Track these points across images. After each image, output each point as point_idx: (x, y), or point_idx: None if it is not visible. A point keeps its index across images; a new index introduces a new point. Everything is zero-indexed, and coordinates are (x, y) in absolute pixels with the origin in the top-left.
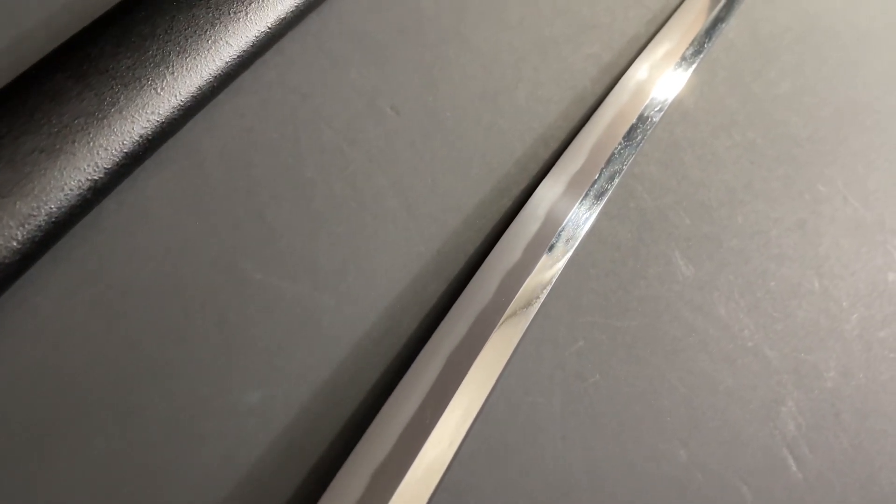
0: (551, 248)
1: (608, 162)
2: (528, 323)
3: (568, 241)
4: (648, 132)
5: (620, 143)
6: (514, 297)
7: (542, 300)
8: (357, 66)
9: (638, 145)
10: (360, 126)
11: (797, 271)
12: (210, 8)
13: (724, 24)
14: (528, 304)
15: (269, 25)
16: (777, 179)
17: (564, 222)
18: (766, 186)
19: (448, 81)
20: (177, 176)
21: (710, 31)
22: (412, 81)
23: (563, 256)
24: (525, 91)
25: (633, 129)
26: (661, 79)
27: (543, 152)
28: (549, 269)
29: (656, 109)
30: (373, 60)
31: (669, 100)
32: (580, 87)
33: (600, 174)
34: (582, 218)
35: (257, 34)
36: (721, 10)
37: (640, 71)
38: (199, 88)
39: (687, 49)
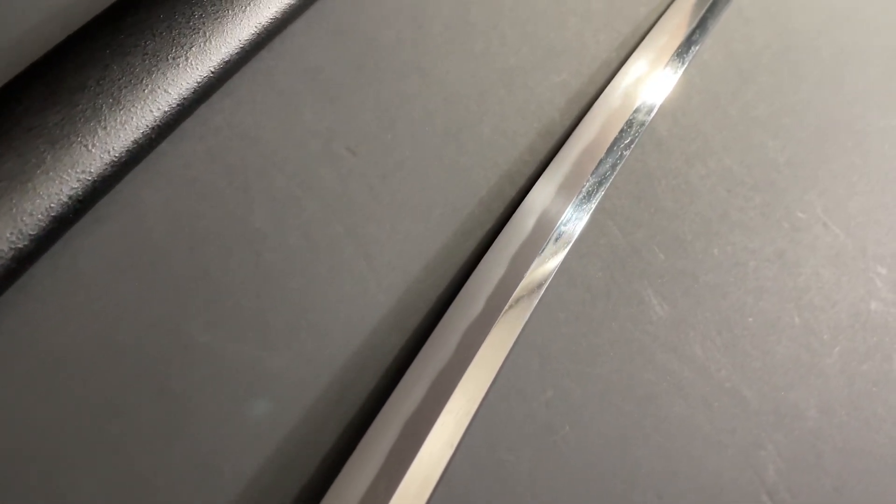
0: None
1: (578, 199)
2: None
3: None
4: (619, 165)
5: (589, 180)
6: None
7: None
8: (311, 105)
9: (608, 179)
10: (314, 170)
11: (776, 305)
12: (146, 55)
13: (698, 46)
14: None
15: (213, 69)
16: (754, 208)
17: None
18: (743, 216)
19: (408, 119)
20: (115, 234)
21: (685, 53)
22: (370, 120)
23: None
24: (490, 125)
25: (602, 162)
26: (633, 107)
27: (509, 190)
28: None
29: (627, 141)
30: (328, 99)
31: (642, 128)
32: (547, 119)
33: (567, 214)
34: (552, 257)
35: (199, 79)
36: (695, 31)
37: (611, 99)
38: (136, 142)
39: (660, 74)
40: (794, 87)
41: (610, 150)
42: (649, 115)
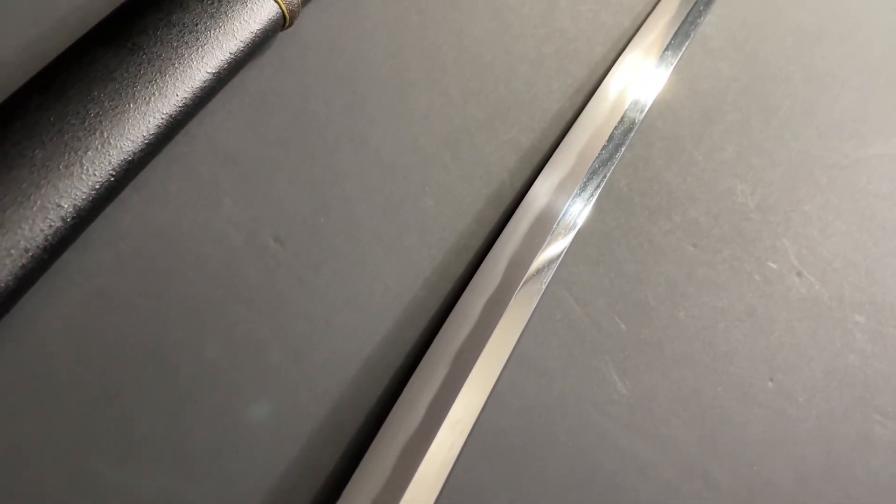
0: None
1: (530, 271)
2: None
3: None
4: (578, 226)
5: (542, 249)
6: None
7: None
8: (232, 193)
9: (565, 248)
10: (237, 267)
11: (748, 369)
12: (35, 167)
13: (660, 87)
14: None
15: (114, 170)
16: (723, 262)
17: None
18: (711, 272)
19: (342, 198)
20: (11, 363)
21: (646, 96)
22: (299, 204)
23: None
24: (433, 196)
25: (557, 229)
26: (591, 160)
27: (456, 266)
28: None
29: (585, 202)
30: (251, 184)
31: (601, 185)
32: (497, 182)
33: (523, 280)
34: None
35: (98, 184)
36: (657, 70)
37: (565, 154)
38: (24, 267)
39: (619, 122)
40: (764, 122)
41: (567, 212)
42: (609, 167)
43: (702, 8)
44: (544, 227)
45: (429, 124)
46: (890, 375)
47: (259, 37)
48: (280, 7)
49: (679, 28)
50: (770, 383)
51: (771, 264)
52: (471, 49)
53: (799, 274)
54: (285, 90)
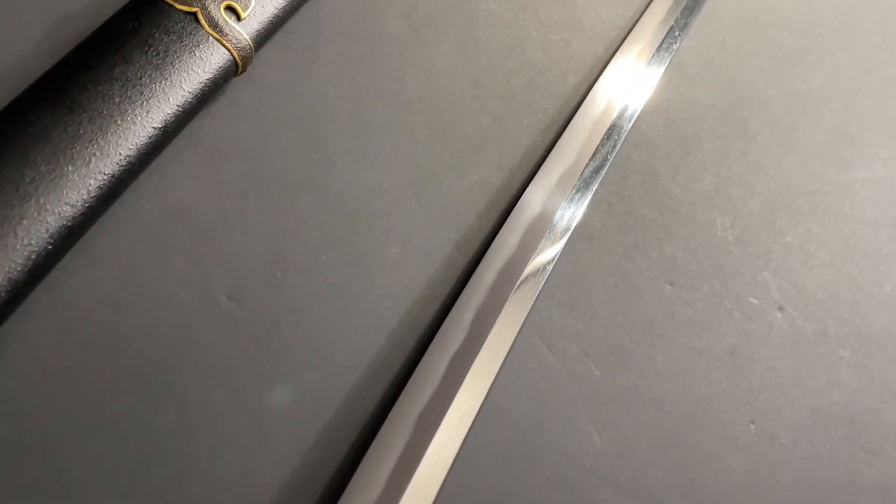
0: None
1: (501, 317)
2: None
3: None
4: (550, 269)
5: (514, 290)
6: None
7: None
8: (184, 250)
9: (537, 293)
10: (189, 330)
11: (729, 412)
12: None
13: (630, 122)
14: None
15: (52, 239)
16: (702, 300)
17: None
18: (690, 311)
19: (301, 249)
20: None
21: (620, 128)
22: (255, 258)
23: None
24: (398, 243)
25: (528, 271)
26: (564, 197)
27: (423, 317)
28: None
29: (557, 241)
30: (204, 240)
31: (574, 222)
32: (466, 226)
33: (493, 326)
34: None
35: (35, 255)
36: (629, 104)
37: (536, 193)
38: None
39: (592, 158)
40: (743, 150)
41: (540, 251)
42: (581, 207)
43: (678, 33)
44: (515, 269)
45: (393, 167)
46: (877, 411)
47: (209, 86)
48: (231, 54)
49: (654, 55)
50: (752, 426)
51: (752, 300)
52: (437, 86)
53: (781, 309)
54: (241, 137)
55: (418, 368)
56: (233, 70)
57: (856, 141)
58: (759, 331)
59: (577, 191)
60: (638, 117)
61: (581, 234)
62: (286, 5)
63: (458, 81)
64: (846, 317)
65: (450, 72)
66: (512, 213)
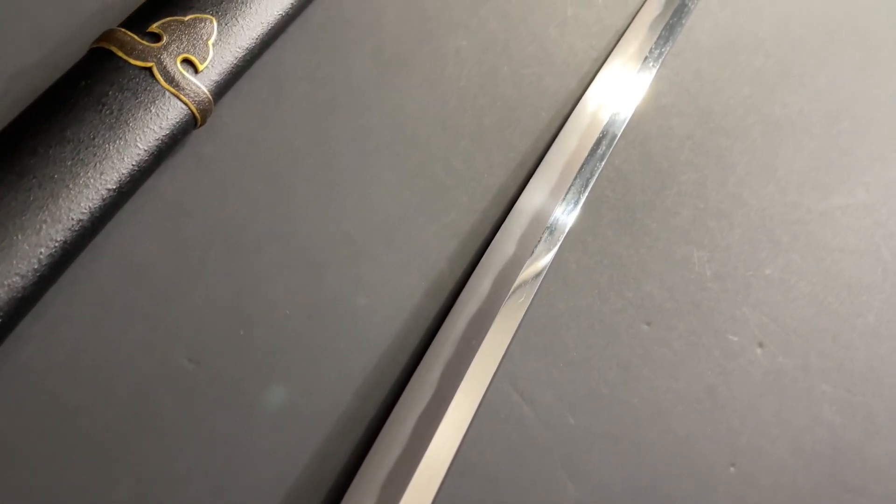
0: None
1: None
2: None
3: None
4: (522, 315)
5: (485, 338)
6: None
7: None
8: (143, 311)
9: (513, 333)
10: (147, 395)
11: (707, 456)
12: None
13: (603, 161)
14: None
15: (2, 309)
16: (679, 339)
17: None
18: (667, 351)
19: (265, 304)
20: None
21: (594, 163)
22: (217, 316)
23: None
24: (366, 293)
25: (500, 316)
26: (536, 239)
27: (391, 371)
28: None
29: (532, 282)
30: (164, 299)
31: (548, 264)
32: (436, 272)
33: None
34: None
35: None
36: (600, 142)
37: (508, 236)
38: None
39: (566, 195)
40: (721, 181)
41: (515, 291)
42: (554, 248)
43: (653, 64)
44: (487, 316)
45: (361, 214)
46: (861, 447)
47: (167, 142)
48: (189, 108)
49: (629, 87)
50: (732, 469)
51: (731, 337)
52: (405, 128)
53: (761, 345)
54: (202, 191)
55: (387, 425)
56: (192, 124)
57: (836, 167)
58: (738, 369)
59: (551, 232)
60: (613, 152)
61: (555, 277)
62: (246, 54)
63: (427, 122)
64: (828, 350)
65: (419, 113)
66: (484, 257)
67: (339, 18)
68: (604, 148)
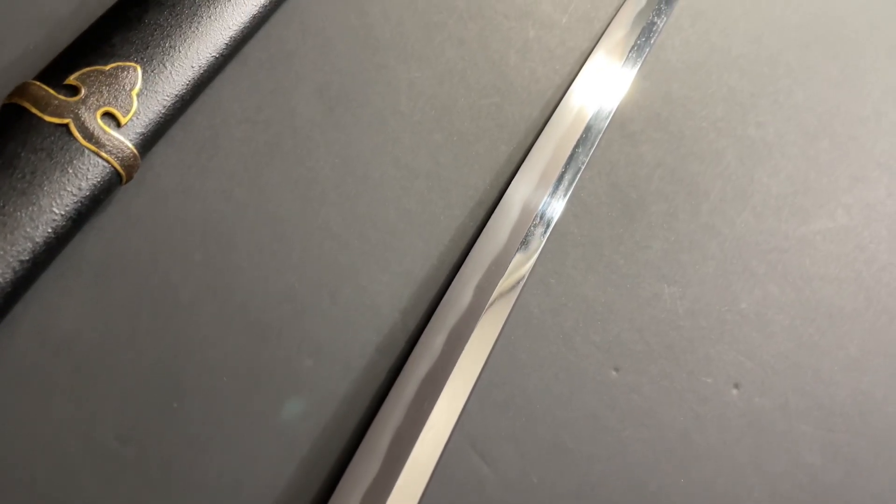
0: None
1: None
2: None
3: None
4: (481, 367)
5: (441, 394)
6: None
7: None
8: (66, 388)
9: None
10: (71, 479)
11: None
12: None
13: (573, 187)
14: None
15: None
16: (650, 383)
17: None
18: (637, 398)
19: (201, 371)
20: None
21: (557, 198)
22: (148, 390)
23: None
24: (312, 353)
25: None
26: (494, 285)
27: (338, 440)
28: None
29: (491, 332)
30: (89, 373)
31: (507, 310)
32: (388, 326)
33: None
34: None
35: None
36: (570, 168)
37: (464, 284)
38: None
39: (525, 241)
40: (694, 210)
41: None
42: (515, 290)
43: (619, 88)
44: (441, 373)
45: (305, 267)
46: (842, 489)
47: (88, 204)
48: (111, 165)
49: (595, 113)
50: None
51: (705, 379)
52: (355, 169)
53: (737, 385)
54: (132, 251)
55: (334, 497)
56: (116, 182)
57: (815, 189)
58: (712, 413)
59: (512, 275)
60: (578, 184)
61: (516, 324)
62: (176, 101)
63: (378, 162)
64: (807, 388)
65: (369, 152)
66: (439, 307)
67: (282, 54)
68: (568, 182)
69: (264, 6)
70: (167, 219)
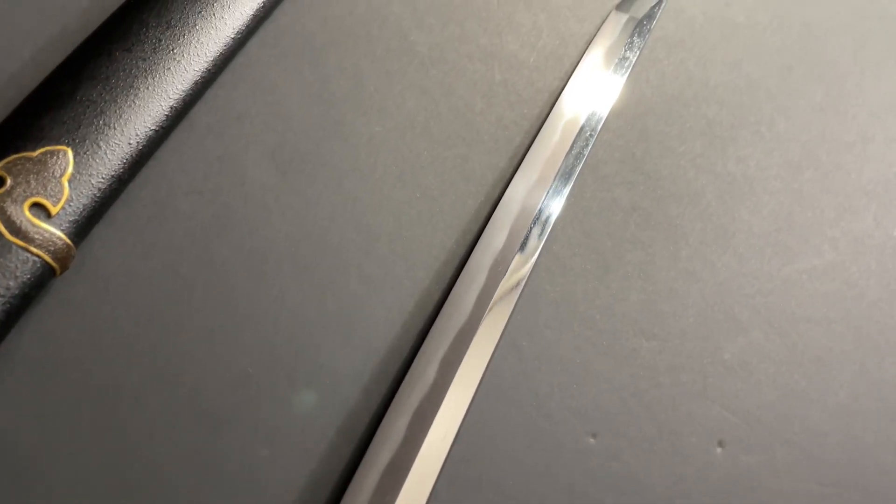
0: None
1: None
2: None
3: None
4: (449, 446)
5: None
6: None
7: None
8: (2, 495)
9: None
10: None
11: None
12: None
13: (544, 240)
14: None
15: None
16: (630, 448)
17: None
18: (617, 464)
19: (145, 473)
20: None
21: (529, 252)
22: (87, 494)
23: None
24: (267, 443)
25: (429, 447)
26: (465, 349)
27: None
28: None
29: (459, 406)
30: (22, 486)
31: (479, 375)
32: (349, 406)
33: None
34: None
35: None
36: (539, 220)
37: (432, 353)
38: None
39: (493, 300)
40: (673, 256)
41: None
42: (485, 358)
43: (591, 131)
44: (406, 459)
45: (259, 347)
46: None
47: (17, 302)
48: (42, 259)
49: (565, 158)
50: None
51: (688, 438)
52: (311, 236)
53: (721, 443)
54: (71, 344)
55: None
56: (49, 275)
57: (800, 224)
58: (695, 475)
59: (480, 335)
60: (550, 236)
61: (487, 391)
62: (113, 182)
63: (337, 227)
64: (795, 439)
65: (327, 216)
66: (402, 386)
67: (231, 116)
68: (538, 235)
69: (208, 71)
70: (109, 305)
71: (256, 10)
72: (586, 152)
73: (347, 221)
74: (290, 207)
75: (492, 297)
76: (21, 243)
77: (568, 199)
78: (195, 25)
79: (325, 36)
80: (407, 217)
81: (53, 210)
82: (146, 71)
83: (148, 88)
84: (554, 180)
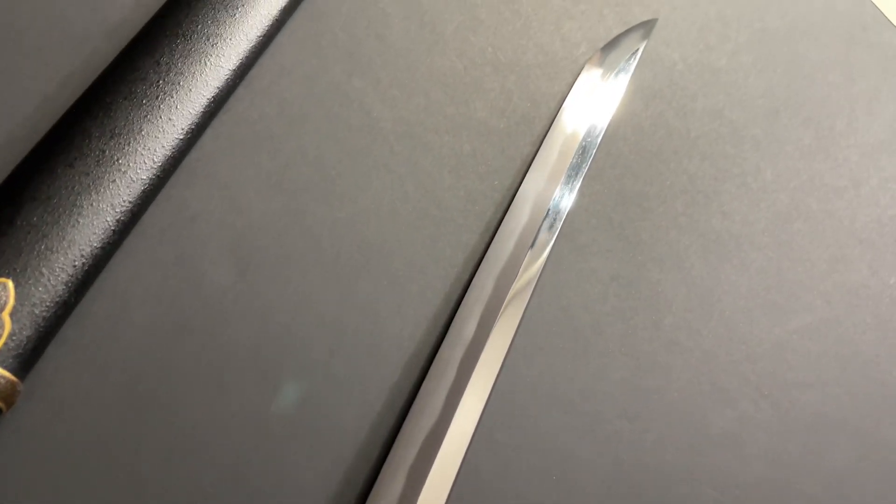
0: None
1: None
2: None
3: None
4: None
5: None
6: None
7: None
8: None
9: None
10: None
11: None
12: None
13: (519, 322)
14: None
15: None
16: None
17: None
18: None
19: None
20: None
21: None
22: None
23: None
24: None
25: None
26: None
27: None
28: None
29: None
30: None
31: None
32: (338, 479)
33: None
34: None
35: None
36: (512, 302)
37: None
38: None
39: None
40: (655, 327)
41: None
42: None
43: (566, 196)
44: None
45: (219, 470)
46: None
47: None
48: None
49: (540, 227)
50: None
51: (683, 489)
52: (274, 339)
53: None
54: (23, 479)
55: None
56: None
57: (790, 280)
58: None
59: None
60: (525, 315)
61: (463, 487)
62: (58, 309)
63: (299, 326)
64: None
65: (289, 316)
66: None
67: (185, 216)
68: (513, 314)
69: (157, 177)
70: (63, 433)
71: (207, 105)
72: (559, 224)
73: (310, 319)
74: (249, 310)
75: (464, 388)
76: None
77: (543, 274)
78: (141, 131)
79: (283, 121)
80: (373, 309)
81: None
82: (89, 186)
83: (92, 205)
84: (526, 256)
